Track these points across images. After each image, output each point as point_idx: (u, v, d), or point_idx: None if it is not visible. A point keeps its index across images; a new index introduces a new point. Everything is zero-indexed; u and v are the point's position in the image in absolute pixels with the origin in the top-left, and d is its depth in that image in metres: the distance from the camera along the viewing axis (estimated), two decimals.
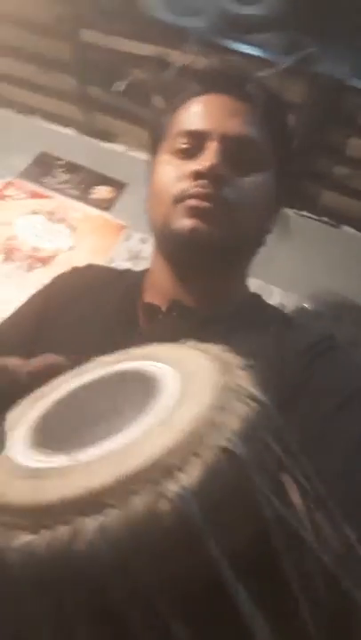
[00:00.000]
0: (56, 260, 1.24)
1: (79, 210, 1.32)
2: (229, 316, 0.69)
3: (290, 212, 1.36)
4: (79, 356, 0.42)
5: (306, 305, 1.22)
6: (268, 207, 0.75)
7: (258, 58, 1.18)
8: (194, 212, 0.65)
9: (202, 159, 0.66)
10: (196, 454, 0.25)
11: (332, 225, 1.35)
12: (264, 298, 0.85)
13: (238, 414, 0.28)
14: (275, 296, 1.22)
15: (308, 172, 1.30)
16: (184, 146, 0.70)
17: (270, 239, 1.32)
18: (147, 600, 0.23)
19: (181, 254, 0.69)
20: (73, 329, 0.70)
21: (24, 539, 0.24)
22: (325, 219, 1.36)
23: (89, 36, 1.30)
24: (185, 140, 0.70)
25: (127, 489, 0.25)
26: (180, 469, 0.25)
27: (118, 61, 1.32)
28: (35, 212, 1.31)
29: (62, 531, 0.24)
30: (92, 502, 0.25)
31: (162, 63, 1.35)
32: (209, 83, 0.73)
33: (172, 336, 0.65)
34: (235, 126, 0.69)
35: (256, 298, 0.80)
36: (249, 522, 0.25)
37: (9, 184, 1.39)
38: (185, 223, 0.65)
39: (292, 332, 0.70)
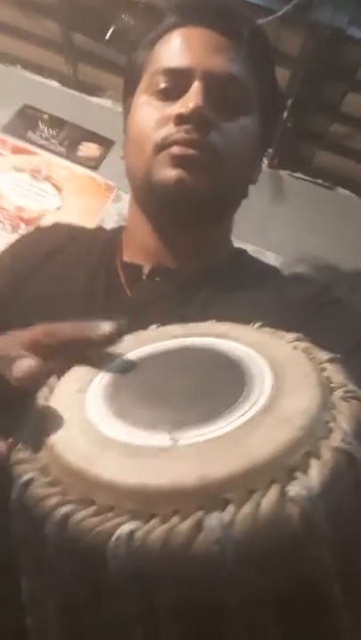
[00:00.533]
0: (42, 221, 1.20)
1: (65, 168, 1.27)
2: (218, 273, 0.66)
3: (284, 173, 1.32)
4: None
5: (301, 269, 1.20)
6: (254, 153, 0.69)
7: (254, 4, 1.11)
8: (179, 161, 0.60)
9: (185, 100, 0.61)
10: (314, 455, 0.24)
11: (326, 187, 1.32)
12: (274, 265, 0.83)
13: (346, 414, 0.26)
14: (269, 261, 1.19)
15: (303, 130, 1.25)
16: (164, 85, 0.63)
17: (264, 202, 1.29)
18: (253, 606, 0.22)
19: (165, 208, 0.64)
20: (49, 289, 0.65)
21: (130, 526, 0.22)
22: (320, 181, 1.32)
23: None
24: (165, 79, 0.63)
25: (246, 485, 0.23)
26: (300, 470, 0.23)
27: (106, 5, 1.25)
28: (18, 170, 1.26)
29: (178, 523, 0.21)
30: (210, 495, 0.22)
31: (152, 8, 1.28)
32: (189, 13, 0.66)
33: (157, 299, 0.62)
34: (219, 63, 0.62)
35: (242, 253, 0.78)
36: (357, 528, 0.24)
37: None
38: (169, 174, 0.60)
39: (288, 285, 0.67)
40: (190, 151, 0.60)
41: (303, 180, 1.32)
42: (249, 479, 0.23)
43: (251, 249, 1.20)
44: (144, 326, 0.39)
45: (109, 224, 1.24)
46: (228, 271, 0.67)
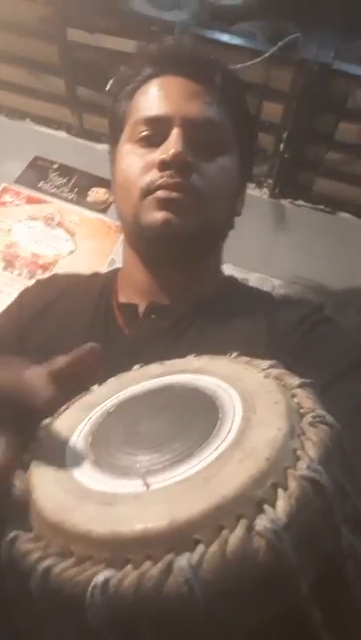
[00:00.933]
0: (57, 265, 1.26)
1: (76, 213, 1.33)
2: (210, 305, 0.69)
3: (285, 202, 1.36)
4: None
5: (309, 295, 1.23)
6: (235, 189, 0.73)
7: (243, 47, 1.17)
8: (164, 204, 0.64)
9: (166, 147, 0.64)
10: (281, 485, 0.24)
11: (328, 212, 1.35)
12: (265, 290, 0.85)
13: (314, 440, 0.27)
14: (276, 288, 1.22)
15: (300, 160, 1.29)
16: (145, 133, 0.67)
17: (267, 231, 1.33)
18: (230, 634, 0.23)
19: (154, 248, 0.68)
20: (51, 337, 0.68)
21: (105, 574, 0.23)
22: (321, 206, 1.35)
23: (75, 35, 1.29)
24: (146, 127, 0.67)
25: (216, 523, 0.23)
26: (267, 502, 0.24)
27: (106, 60, 1.32)
28: (32, 218, 1.33)
29: (149, 567, 0.22)
30: (179, 537, 0.23)
31: None
32: (165, 64, 0.70)
33: (153, 336, 0.65)
34: (195, 109, 0.66)
35: (232, 282, 0.80)
36: (325, 551, 0.25)
37: (5, 190, 1.40)
38: (156, 216, 0.64)
39: (279, 309, 0.69)
40: (174, 194, 0.63)
41: (304, 206, 1.36)
42: (217, 517, 0.23)
43: (256, 277, 1.24)
44: (144, 362, 0.41)
45: (120, 263, 1.30)
46: (219, 302, 0.69)
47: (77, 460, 0.30)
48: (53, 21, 1.28)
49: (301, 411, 0.30)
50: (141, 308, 0.69)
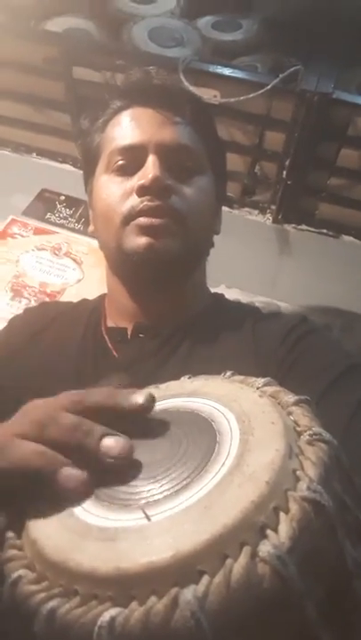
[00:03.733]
0: (65, 293, 1.26)
1: (83, 243, 1.35)
2: (197, 323, 0.70)
3: (289, 227, 1.38)
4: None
5: (315, 317, 1.23)
6: (213, 209, 0.76)
7: (245, 80, 1.21)
8: (146, 230, 0.65)
9: (144, 173, 0.66)
10: (282, 509, 0.24)
11: (331, 236, 1.37)
12: (251, 305, 0.85)
13: (313, 460, 0.27)
14: (283, 311, 1.23)
15: (303, 186, 1.32)
16: (121, 162, 0.69)
17: (272, 256, 1.35)
18: None
19: (138, 274, 0.68)
20: (43, 364, 0.68)
21: (111, 613, 0.22)
22: (325, 230, 1.37)
23: (81, 73, 1.33)
24: (121, 157, 0.69)
25: (220, 552, 0.23)
26: (270, 527, 0.24)
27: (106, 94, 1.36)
28: (40, 249, 1.34)
29: (155, 603, 0.22)
30: (183, 569, 0.23)
31: None
32: (131, 97, 0.72)
33: (142, 357, 0.66)
34: (168, 135, 0.68)
35: (219, 298, 0.81)
36: (336, 570, 0.25)
37: (13, 222, 1.42)
38: (139, 242, 0.65)
39: (265, 322, 0.70)
40: (156, 220, 0.65)
41: (308, 231, 1.38)
42: (220, 545, 0.23)
43: (263, 300, 1.25)
44: (136, 384, 0.39)
45: None
46: (205, 320, 0.71)
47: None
48: (59, 61, 1.33)
49: (298, 429, 0.30)
50: (129, 331, 0.70)
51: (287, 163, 1.27)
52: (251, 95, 1.17)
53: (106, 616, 0.22)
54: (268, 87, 1.17)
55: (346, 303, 1.22)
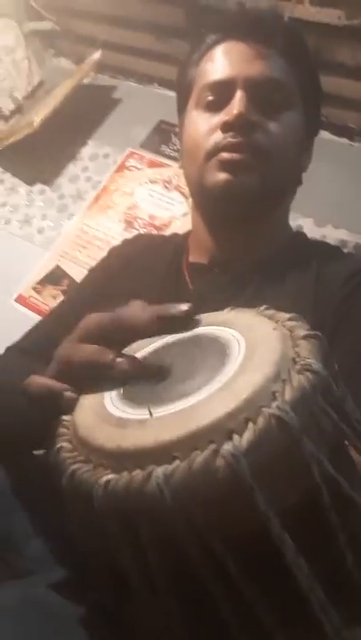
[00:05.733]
0: (171, 226, 1.32)
1: None
2: (270, 262, 0.70)
3: None
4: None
5: None
6: (300, 145, 0.73)
7: None
8: (226, 166, 0.65)
9: (229, 109, 0.66)
10: (251, 420, 0.29)
11: None
12: (330, 244, 0.83)
13: (293, 385, 0.31)
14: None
15: None
16: (210, 98, 0.69)
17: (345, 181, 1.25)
18: (202, 537, 0.29)
19: (216, 209, 0.70)
20: (131, 290, 0.71)
21: (108, 477, 0.30)
22: None
23: None
24: (210, 92, 0.69)
25: (191, 445, 0.29)
26: (236, 432, 0.29)
27: None
28: (152, 182, 1.40)
29: (137, 474, 0.29)
30: (162, 453, 0.29)
31: None
32: (226, 30, 0.70)
33: (213, 291, 0.69)
34: (257, 69, 0.67)
35: (300, 237, 0.79)
36: (298, 482, 0.30)
37: (130, 155, 1.48)
38: (218, 177, 0.65)
39: (332, 263, 0.69)
40: (236, 156, 0.65)
41: None
42: (193, 440, 0.29)
43: (345, 235, 1.18)
44: None
45: None
46: (277, 262, 0.71)
47: (113, 394, 0.37)
48: None
49: (296, 359, 0.33)
50: (206, 266, 0.73)
51: None
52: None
53: (103, 479, 0.30)
54: None
55: None
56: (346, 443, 0.33)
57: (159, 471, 0.28)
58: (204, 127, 0.69)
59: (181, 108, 0.79)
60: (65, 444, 0.34)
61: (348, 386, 0.35)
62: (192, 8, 1.35)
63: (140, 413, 0.33)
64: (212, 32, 0.74)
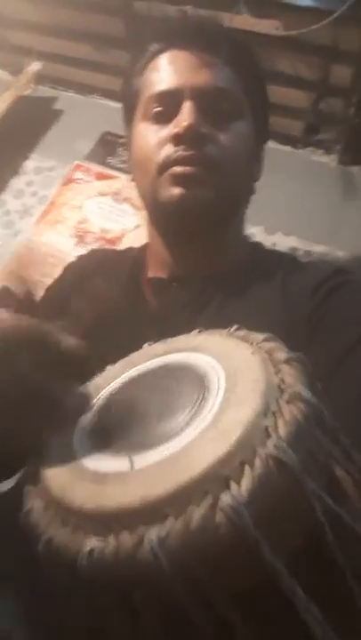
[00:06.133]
0: (124, 239, 1.30)
1: None
2: (231, 276, 0.69)
3: (355, 169, 1.31)
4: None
5: None
6: (251, 155, 0.72)
7: (310, 9, 1.11)
8: (179, 180, 0.64)
9: (178, 120, 0.64)
10: (247, 463, 0.26)
11: None
12: (289, 253, 0.81)
13: (286, 418, 0.28)
14: (341, 262, 1.19)
15: None
16: (158, 109, 0.67)
17: (335, 201, 1.29)
18: (204, 597, 0.26)
19: (173, 224, 0.68)
20: (88, 308, 0.72)
21: (92, 543, 0.27)
22: None
23: (141, 7, 1.29)
24: (157, 104, 0.67)
25: (184, 499, 0.26)
26: (233, 479, 0.26)
27: None
28: (102, 194, 1.38)
29: (127, 538, 0.26)
30: (152, 512, 0.26)
31: None
32: (169, 39, 0.68)
33: (176, 308, 0.67)
34: (204, 78, 0.65)
35: (258, 247, 0.78)
36: (301, 522, 0.27)
37: (77, 167, 1.45)
38: (172, 192, 0.64)
39: (297, 275, 0.68)
40: (188, 169, 0.63)
41: None
42: (186, 493, 0.26)
43: (321, 250, 1.22)
44: (170, 335, 0.42)
45: None
46: (239, 273, 0.69)
47: (83, 442, 0.34)
48: None
49: (282, 387, 0.30)
50: (166, 281, 0.71)
51: (355, 99, 1.18)
52: (315, 26, 1.08)
53: (87, 546, 0.27)
54: (335, 15, 1.07)
55: None
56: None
57: (152, 534, 0.25)
58: (154, 140, 0.67)
59: (128, 120, 0.77)
60: (36, 504, 0.31)
61: (327, 396, 0.34)
62: (130, 17, 1.34)
63: (118, 465, 0.30)
64: (154, 41, 0.73)
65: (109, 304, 0.73)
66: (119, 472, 0.29)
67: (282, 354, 0.33)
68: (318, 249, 1.23)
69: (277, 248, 1.20)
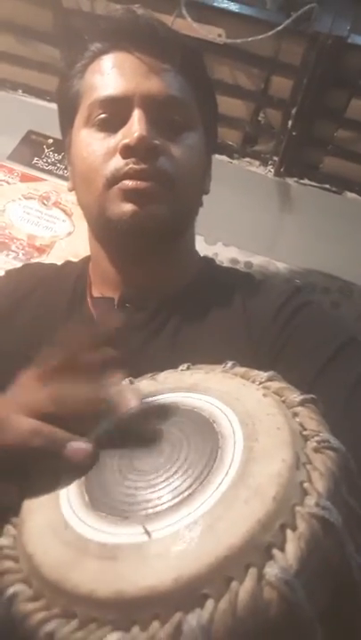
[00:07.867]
0: (54, 248, 1.20)
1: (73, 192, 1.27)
2: (186, 295, 0.65)
3: (291, 181, 1.32)
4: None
5: (314, 278, 1.19)
6: (202, 167, 0.69)
7: (254, 19, 1.10)
8: (131, 195, 0.59)
9: (128, 130, 0.59)
10: (290, 526, 0.23)
11: (335, 192, 1.31)
12: (269, 275, 0.80)
13: (320, 470, 0.25)
14: (281, 272, 1.19)
15: (308, 137, 1.24)
16: (103, 116, 0.61)
17: (272, 212, 1.29)
18: None
19: (122, 242, 0.63)
20: (28, 333, 0.64)
21: (112, 638, 0.21)
22: (328, 186, 1.31)
23: (71, 2, 1.21)
24: (102, 110, 0.61)
25: (224, 575, 0.21)
26: (276, 546, 0.22)
27: None
28: (27, 198, 1.26)
29: (157, 629, 0.21)
30: (186, 594, 0.21)
31: None
32: (115, 39, 0.63)
33: (130, 330, 0.61)
34: (155, 86, 0.61)
35: (209, 264, 0.75)
36: (339, 587, 0.24)
37: None
38: (124, 209, 0.59)
39: (257, 296, 0.65)
40: (141, 184, 0.58)
41: (311, 186, 1.31)
42: (225, 568, 0.22)
43: (260, 260, 1.21)
44: (119, 358, 0.37)
45: None
46: (195, 293, 0.66)
47: (72, 503, 0.27)
48: None
49: (305, 433, 0.28)
50: (116, 301, 0.65)
51: (293, 111, 1.19)
52: (259, 37, 1.07)
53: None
54: (280, 28, 1.06)
55: (347, 265, 1.18)
56: None
57: (192, 621, 0.20)
58: (100, 150, 0.61)
59: (66, 124, 0.70)
60: (20, 589, 0.24)
61: None
62: (59, 10, 1.25)
63: (128, 533, 0.24)
64: (96, 40, 0.66)
65: (52, 327, 0.65)
66: (133, 543, 0.23)
67: (294, 395, 0.31)
68: (258, 260, 1.21)
69: (219, 259, 1.18)
